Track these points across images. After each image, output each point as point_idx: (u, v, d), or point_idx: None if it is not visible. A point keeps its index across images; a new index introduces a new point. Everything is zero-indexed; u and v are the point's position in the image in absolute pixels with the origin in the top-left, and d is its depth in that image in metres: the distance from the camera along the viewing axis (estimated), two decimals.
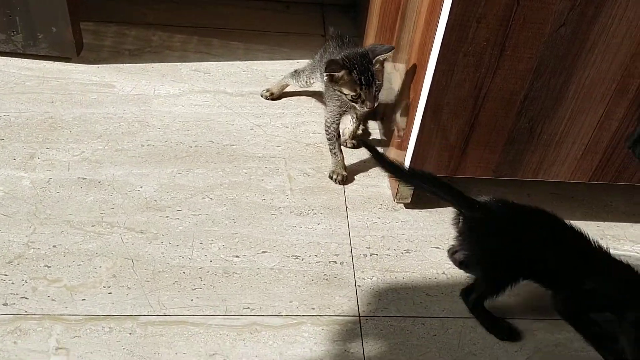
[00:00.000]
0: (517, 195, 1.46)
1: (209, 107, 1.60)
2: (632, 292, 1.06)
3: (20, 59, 1.67)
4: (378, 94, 1.32)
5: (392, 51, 1.30)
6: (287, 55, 1.86)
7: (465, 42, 1.05)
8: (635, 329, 1.02)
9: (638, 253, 1.36)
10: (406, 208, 1.39)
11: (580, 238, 1.11)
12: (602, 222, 1.43)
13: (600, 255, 1.10)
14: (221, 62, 1.78)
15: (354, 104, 1.32)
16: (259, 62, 1.81)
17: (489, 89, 1.12)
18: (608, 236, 1.40)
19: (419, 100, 1.17)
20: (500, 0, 1.00)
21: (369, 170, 1.48)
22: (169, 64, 1.74)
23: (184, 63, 1.75)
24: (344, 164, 1.44)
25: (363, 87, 1.29)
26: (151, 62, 1.74)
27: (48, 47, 1.65)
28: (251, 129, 1.55)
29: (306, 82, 1.57)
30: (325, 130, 1.44)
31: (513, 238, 1.10)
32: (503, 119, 1.17)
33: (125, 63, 1.72)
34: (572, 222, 1.14)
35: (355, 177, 1.45)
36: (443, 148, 1.22)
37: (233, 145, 1.50)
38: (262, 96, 1.66)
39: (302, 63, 1.82)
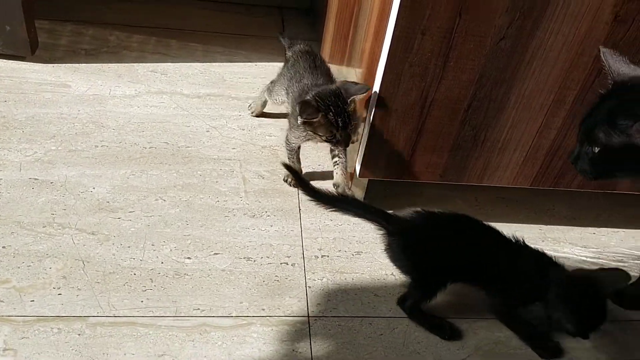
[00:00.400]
0: (466, 200, 1.52)
1: (165, 109, 1.61)
2: (551, 275, 1.13)
3: None
4: (352, 134, 1.28)
5: (368, 91, 1.23)
6: (246, 58, 1.87)
7: (411, 52, 1.09)
8: (560, 297, 1.10)
9: (577, 255, 1.43)
10: None
11: (498, 237, 1.17)
12: (544, 225, 1.50)
13: (518, 250, 1.17)
14: (179, 64, 1.79)
15: (327, 143, 1.30)
16: (217, 63, 1.82)
17: (434, 97, 1.16)
18: (549, 239, 1.46)
19: (368, 106, 1.21)
20: (443, 13, 1.04)
21: (323, 175, 1.51)
22: (126, 64, 1.74)
23: (141, 64, 1.75)
24: (301, 169, 1.46)
25: (339, 129, 1.24)
26: (108, 62, 1.74)
27: (1, 45, 1.63)
28: (207, 131, 1.57)
29: (277, 100, 1.52)
30: (286, 144, 1.42)
31: (434, 245, 1.15)
32: (448, 126, 1.21)
33: (81, 63, 1.71)
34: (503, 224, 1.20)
35: (310, 181, 1.48)
36: (392, 153, 1.26)
37: (188, 147, 1.51)
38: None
39: (260, 66, 1.85)
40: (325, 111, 1.22)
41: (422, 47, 1.09)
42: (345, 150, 1.36)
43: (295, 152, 1.43)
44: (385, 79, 1.13)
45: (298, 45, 1.50)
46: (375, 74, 1.17)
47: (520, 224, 1.48)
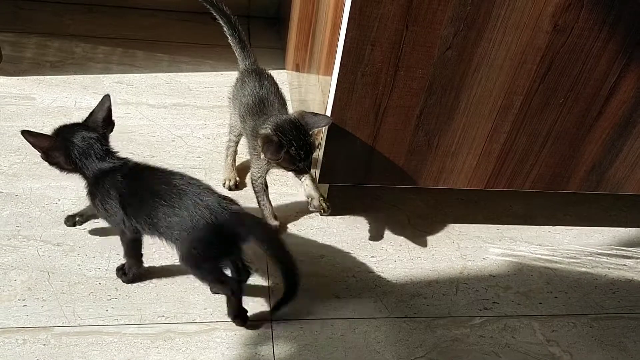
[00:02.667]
0: (426, 201, 1.57)
1: (130, 119, 1.63)
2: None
3: None
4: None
5: (330, 123, 1.22)
6: (212, 67, 1.90)
7: (362, 62, 1.13)
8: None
9: (532, 253, 1.48)
10: (320, 215, 1.47)
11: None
12: (501, 225, 1.55)
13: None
14: (145, 74, 1.81)
15: (291, 172, 1.29)
16: (183, 73, 1.85)
17: (387, 105, 1.21)
18: (506, 238, 1.52)
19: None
20: (391, 25, 1.09)
21: (287, 180, 1.55)
22: (92, 75, 1.76)
23: (106, 75, 1.77)
24: (274, 212, 1.39)
25: (303, 161, 1.21)
26: (73, 74, 1.75)
27: None
28: (172, 140, 1.60)
29: (235, 132, 1.46)
30: (252, 184, 1.37)
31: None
32: (402, 132, 1.26)
33: (46, 75, 1.73)
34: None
35: (274, 187, 1.51)
36: (350, 159, 1.30)
37: (154, 156, 1.53)
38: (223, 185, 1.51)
39: (226, 74, 1.88)
40: (288, 146, 1.17)
41: (372, 57, 1.13)
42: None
43: (263, 192, 1.37)
44: (338, 88, 1.17)
45: (247, 60, 1.42)
46: (330, 83, 1.21)
47: (479, 225, 1.53)
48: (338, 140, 1.26)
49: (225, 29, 1.43)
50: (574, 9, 1.11)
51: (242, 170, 1.53)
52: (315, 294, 1.28)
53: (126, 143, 1.55)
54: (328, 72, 1.24)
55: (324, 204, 1.43)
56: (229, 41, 1.44)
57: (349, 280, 1.33)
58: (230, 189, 1.49)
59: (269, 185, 1.38)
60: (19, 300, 1.15)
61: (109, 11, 2.05)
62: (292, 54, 1.74)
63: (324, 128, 1.23)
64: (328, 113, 1.23)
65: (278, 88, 1.38)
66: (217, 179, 1.50)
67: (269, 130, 1.19)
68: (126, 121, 1.62)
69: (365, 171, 1.33)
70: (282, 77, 1.88)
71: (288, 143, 1.17)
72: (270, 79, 1.39)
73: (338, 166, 1.31)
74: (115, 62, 1.83)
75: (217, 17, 1.43)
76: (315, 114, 1.21)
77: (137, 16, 2.06)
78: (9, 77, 1.69)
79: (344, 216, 1.48)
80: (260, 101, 1.32)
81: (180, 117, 1.68)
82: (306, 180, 1.33)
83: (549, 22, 1.12)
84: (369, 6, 1.06)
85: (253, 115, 1.31)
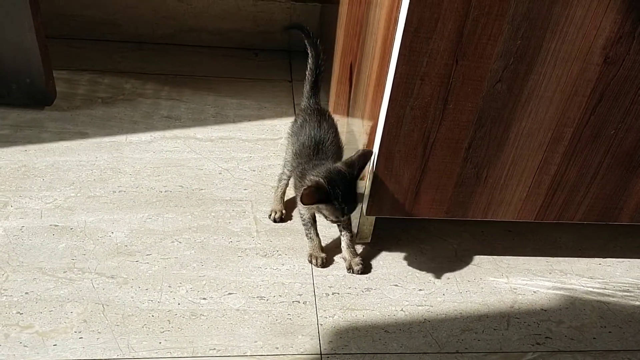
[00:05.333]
0: (473, 233, 1.56)
1: (179, 153, 1.67)
2: None
3: None
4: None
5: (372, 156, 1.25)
6: (255, 101, 1.95)
7: (411, 97, 1.15)
8: None
9: (584, 286, 1.45)
10: (367, 247, 1.47)
11: None
12: (550, 258, 1.52)
13: None
14: (191, 109, 1.86)
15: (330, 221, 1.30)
16: (228, 107, 1.90)
17: (435, 138, 1.21)
18: (556, 271, 1.49)
19: (372, 148, 1.26)
20: (440, 60, 1.10)
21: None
22: (141, 111, 1.82)
23: (156, 110, 1.83)
24: (321, 245, 1.41)
25: (345, 215, 1.25)
26: (124, 109, 1.81)
27: (22, 97, 1.71)
28: (219, 173, 1.63)
29: (292, 168, 1.42)
30: (300, 217, 1.39)
31: None
32: (451, 164, 1.26)
33: (98, 110, 1.79)
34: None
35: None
36: (397, 192, 1.30)
37: (202, 189, 1.56)
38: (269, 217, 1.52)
39: (269, 108, 1.92)
40: (334, 197, 1.20)
41: (421, 91, 1.14)
42: (349, 223, 1.37)
43: (311, 225, 1.38)
44: (387, 122, 1.18)
45: (312, 99, 1.44)
46: (378, 117, 1.23)
47: (528, 257, 1.51)
48: (386, 173, 1.27)
49: (309, 62, 1.46)
50: (625, 42, 1.11)
51: (290, 202, 1.55)
52: (363, 328, 1.27)
53: (175, 176, 1.59)
54: (375, 106, 1.25)
55: (356, 267, 1.39)
56: (306, 73, 1.47)
57: (398, 314, 1.31)
58: (275, 220, 1.50)
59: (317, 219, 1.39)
60: (75, 332, 1.18)
61: (157, 48, 2.13)
62: (335, 86, 1.76)
63: (370, 163, 1.25)
64: (376, 146, 1.24)
65: (337, 131, 1.40)
66: (263, 210, 1.52)
67: (316, 179, 1.22)
68: (175, 154, 1.66)
69: (413, 204, 1.33)
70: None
71: (335, 194, 1.20)
72: (331, 120, 1.40)
73: (385, 199, 1.31)
74: (163, 98, 1.89)
75: (308, 49, 1.45)
76: (357, 152, 1.25)
77: (182, 53, 2.13)
78: (63, 113, 1.76)
79: (390, 249, 1.48)
80: (316, 144, 1.34)
81: (227, 150, 1.72)
82: (345, 238, 1.37)
83: (599, 54, 1.12)
84: (419, 42, 1.08)
85: (305, 157, 1.34)
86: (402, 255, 1.46)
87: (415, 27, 1.06)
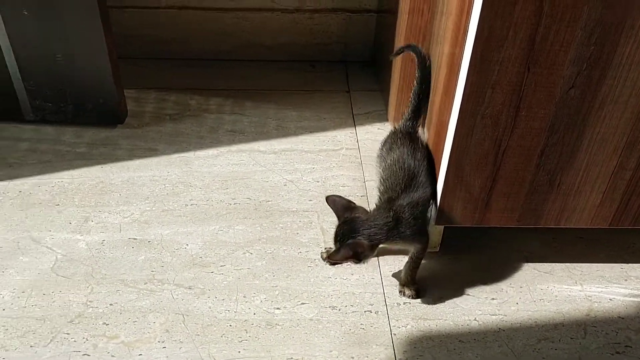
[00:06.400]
0: (544, 240, 1.53)
1: (244, 166, 1.72)
2: None
3: (70, 128, 1.82)
4: None
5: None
6: (315, 112, 1.98)
7: (482, 105, 1.15)
8: None
9: None
10: (436, 256, 1.47)
11: None
12: (625, 264, 1.48)
13: None
14: (254, 122, 1.91)
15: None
16: (288, 120, 1.93)
17: (507, 145, 1.21)
18: (632, 277, 1.45)
19: (441, 159, 1.27)
20: (512, 69, 1.10)
21: None
22: (207, 126, 1.87)
23: (220, 124, 1.89)
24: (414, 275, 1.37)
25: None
26: (190, 125, 1.88)
27: (96, 116, 1.80)
28: (284, 185, 1.66)
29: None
30: None
31: None
32: (523, 172, 1.25)
33: (167, 127, 1.86)
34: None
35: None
36: (467, 201, 1.30)
37: (268, 201, 1.60)
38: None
39: (328, 119, 1.94)
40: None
41: (492, 100, 1.14)
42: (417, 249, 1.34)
43: None
44: (457, 132, 1.19)
45: (409, 122, 1.41)
46: (447, 125, 1.23)
47: (602, 264, 1.48)
48: (455, 182, 1.27)
49: (414, 84, 1.40)
50: None
51: None
52: (437, 338, 1.27)
53: (243, 189, 1.63)
54: (443, 115, 1.26)
55: (409, 292, 1.36)
56: (411, 93, 1.41)
57: (472, 324, 1.31)
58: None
59: None
60: (158, 342, 1.23)
61: (219, 64, 2.19)
62: (395, 95, 1.77)
63: (439, 174, 1.26)
64: (446, 156, 1.24)
65: (431, 160, 1.36)
66: (329, 221, 1.54)
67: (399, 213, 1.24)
68: (241, 167, 1.71)
69: (484, 212, 1.32)
70: (383, 117, 1.93)
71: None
72: (425, 150, 1.36)
73: (456, 208, 1.31)
74: (227, 112, 1.95)
75: (417, 70, 1.39)
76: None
77: (242, 68, 2.19)
78: (134, 130, 1.84)
79: (460, 257, 1.47)
80: (407, 174, 1.31)
81: (290, 162, 1.75)
82: (405, 268, 1.35)
83: None
84: (490, 51, 1.08)
85: (391, 183, 1.31)
86: (472, 264, 1.46)
87: (486, 36, 1.07)
